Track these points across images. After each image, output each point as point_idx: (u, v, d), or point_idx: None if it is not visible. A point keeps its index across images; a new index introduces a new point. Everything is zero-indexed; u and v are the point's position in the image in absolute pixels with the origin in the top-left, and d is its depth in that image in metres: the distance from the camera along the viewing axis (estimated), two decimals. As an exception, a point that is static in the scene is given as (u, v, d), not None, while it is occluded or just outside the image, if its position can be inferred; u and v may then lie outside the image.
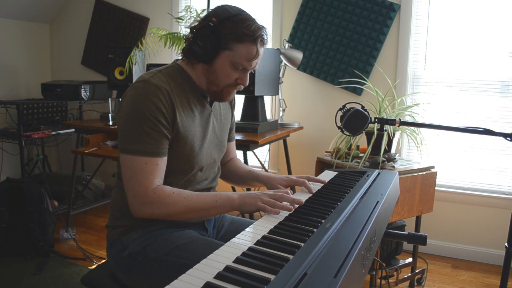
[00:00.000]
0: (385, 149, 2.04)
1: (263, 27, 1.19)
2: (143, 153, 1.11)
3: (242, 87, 1.26)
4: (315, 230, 0.91)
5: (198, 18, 1.22)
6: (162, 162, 1.14)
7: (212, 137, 1.31)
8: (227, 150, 1.50)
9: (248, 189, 2.25)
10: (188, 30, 1.23)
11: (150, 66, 3.02)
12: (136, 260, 1.17)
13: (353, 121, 1.45)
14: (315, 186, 1.30)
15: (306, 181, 1.28)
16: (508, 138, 1.36)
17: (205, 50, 1.16)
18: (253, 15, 1.21)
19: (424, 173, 2.09)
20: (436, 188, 2.21)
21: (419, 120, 2.34)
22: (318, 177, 1.36)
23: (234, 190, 2.59)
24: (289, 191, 1.15)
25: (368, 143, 2.09)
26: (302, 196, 1.19)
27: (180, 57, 1.29)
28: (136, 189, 1.11)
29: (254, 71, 1.73)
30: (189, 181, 1.25)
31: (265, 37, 1.19)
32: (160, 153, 1.13)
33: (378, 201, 1.08)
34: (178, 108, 1.16)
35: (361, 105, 1.49)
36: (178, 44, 2.51)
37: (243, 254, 0.80)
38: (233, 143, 1.56)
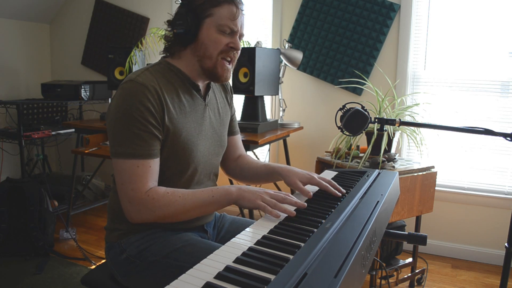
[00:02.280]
0: (385, 149, 2.04)
1: None
2: (134, 156, 1.07)
3: (237, 55, 1.23)
4: (315, 230, 0.91)
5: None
6: (155, 164, 1.11)
7: (209, 132, 1.28)
8: (234, 145, 1.46)
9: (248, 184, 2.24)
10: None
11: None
12: (134, 263, 1.16)
13: (353, 121, 1.45)
14: (312, 188, 1.26)
15: (329, 186, 1.19)
16: (508, 138, 1.36)
17: (186, 26, 1.15)
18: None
19: (424, 173, 2.09)
20: (436, 188, 2.21)
21: (419, 120, 2.34)
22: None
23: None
24: (290, 194, 1.11)
25: (368, 143, 2.09)
26: (303, 197, 1.17)
27: (163, 55, 1.26)
28: (130, 194, 1.07)
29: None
30: (187, 181, 1.23)
31: None
32: (151, 155, 1.10)
33: (378, 201, 1.08)
34: (168, 105, 1.14)
35: (361, 105, 1.49)
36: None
37: (243, 254, 0.80)
38: (238, 137, 1.49)
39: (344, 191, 1.21)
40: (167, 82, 1.17)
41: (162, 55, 1.26)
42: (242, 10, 1.20)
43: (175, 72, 1.21)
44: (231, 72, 1.25)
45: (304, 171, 1.27)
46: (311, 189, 1.25)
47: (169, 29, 1.21)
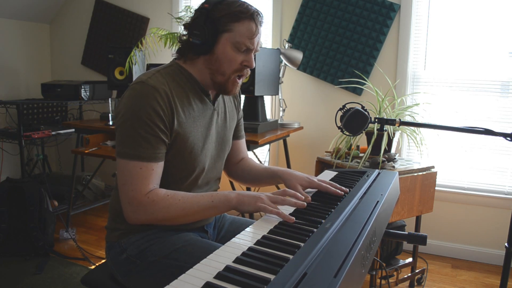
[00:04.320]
0: (385, 149, 2.04)
1: (256, 8, 1.17)
2: (138, 157, 1.07)
3: (249, 71, 1.22)
4: (315, 230, 0.91)
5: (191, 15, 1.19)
6: (158, 167, 1.11)
7: (215, 136, 1.28)
8: (237, 149, 1.46)
9: (248, 189, 2.24)
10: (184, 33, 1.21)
11: (150, 66, 3.01)
12: (134, 263, 1.16)
13: (353, 121, 1.45)
14: (313, 190, 1.27)
15: (329, 187, 1.20)
16: (508, 138, 1.36)
17: (203, 38, 1.13)
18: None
19: (424, 173, 2.09)
20: (436, 188, 2.21)
21: (419, 120, 2.34)
22: (340, 186, 1.25)
23: (233, 189, 2.58)
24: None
25: (368, 143, 2.09)
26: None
27: (175, 56, 1.25)
28: (130, 194, 1.07)
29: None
30: (191, 184, 1.23)
31: (260, 15, 1.16)
32: (156, 158, 1.10)
33: (378, 201, 1.08)
34: (178, 109, 1.13)
35: (361, 105, 1.49)
36: (178, 44, 2.51)
37: (243, 254, 0.80)
38: (243, 141, 1.50)
39: (346, 189, 1.21)
40: (178, 85, 1.17)
41: (174, 57, 1.25)
42: (261, 28, 1.18)
43: (187, 76, 1.20)
44: (240, 86, 1.24)
45: (304, 175, 1.28)
46: (309, 192, 1.26)
47: (185, 32, 1.19)
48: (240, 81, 1.22)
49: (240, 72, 1.19)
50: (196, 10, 1.17)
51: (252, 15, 1.13)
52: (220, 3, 1.13)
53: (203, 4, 1.15)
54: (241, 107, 1.47)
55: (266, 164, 3.08)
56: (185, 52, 1.20)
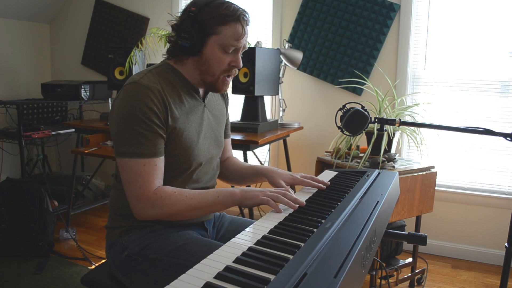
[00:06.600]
0: (385, 149, 2.04)
1: (242, 8, 1.19)
2: (139, 155, 1.10)
3: (237, 71, 1.26)
4: (315, 230, 0.91)
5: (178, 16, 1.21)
6: (160, 162, 1.14)
7: (208, 132, 1.30)
8: (224, 148, 1.48)
9: (248, 186, 2.24)
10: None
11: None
12: (135, 261, 1.17)
13: (353, 121, 1.45)
14: (312, 190, 1.28)
15: (311, 181, 1.27)
16: (508, 138, 1.36)
17: (191, 41, 1.15)
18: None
19: (424, 173, 2.09)
20: (436, 188, 2.21)
21: (419, 120, 2.34)
22: (320, 179, 1.32)
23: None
24: (290, 190, 1.15)
25: (368, 143, 2.09)
26: (303, 196, 1.18)
27: (165, 57, 1.27)
28: (137, 192, 1.10)
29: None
30: (187, 179, 1.24)
31: (246, 15, 1.19)
32: (157, 153, 1.12)
33: (378, 201, 1.08)
34: (171, 106, 1.15)
35: (361, 105, 1.49)
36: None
37: (243, 254, 0.80)
38: (229, 141, 1.54)
39: (328, 183, 1.28)
40: (169, 83, 1.19)
41: (165, 57, 1.27)
42: (248, 27, 1.20)
43: (177, 75, 1.22)
44: (229, 84, 1.28)
45: (287, 172, 1.34)
46: (308, 191, 1.28)
47: (173, 33, 1.21)
48: (229, 79, 1.25)
49: (229, 72, 1.22)
50: (183, 12, 1.19)
51: (238, 18, 1.15)
52: (207, 6, 1.14)
53: (190, 6, 1.17)
54: (228, 107, 1.49)
55: (266, 164, 3.08)
56: (174, 53, 1.23)
